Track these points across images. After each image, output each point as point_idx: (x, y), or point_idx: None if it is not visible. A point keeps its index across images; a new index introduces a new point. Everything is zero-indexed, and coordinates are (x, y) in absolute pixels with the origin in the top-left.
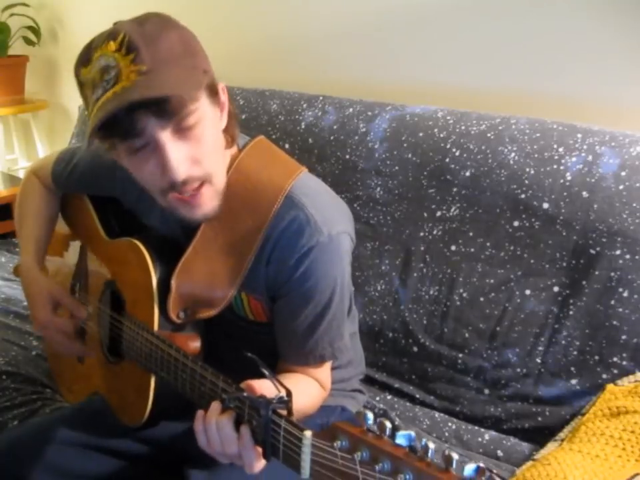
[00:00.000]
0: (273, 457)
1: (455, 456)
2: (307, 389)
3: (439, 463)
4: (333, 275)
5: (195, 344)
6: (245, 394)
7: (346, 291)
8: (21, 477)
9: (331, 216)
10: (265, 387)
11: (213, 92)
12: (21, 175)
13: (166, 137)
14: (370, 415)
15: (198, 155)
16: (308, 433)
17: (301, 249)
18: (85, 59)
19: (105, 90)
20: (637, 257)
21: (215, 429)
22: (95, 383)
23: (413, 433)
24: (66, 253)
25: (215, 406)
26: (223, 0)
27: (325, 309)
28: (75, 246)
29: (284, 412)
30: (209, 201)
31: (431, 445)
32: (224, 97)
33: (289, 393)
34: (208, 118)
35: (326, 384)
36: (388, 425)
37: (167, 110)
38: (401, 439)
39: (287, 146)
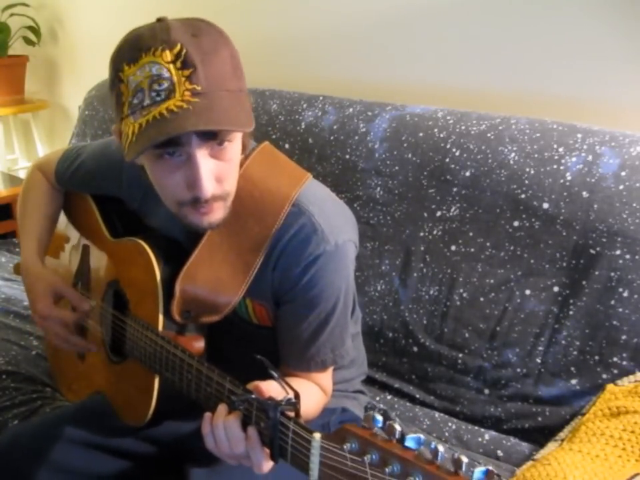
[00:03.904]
0: (280, 459)
1: (465, 459)
2: (309, 394)
3: (448, 466)
4: (338, 283)
5: (199, 344)
6: (253, 396)
7: (350, 298)
8: (23, 474)
9: (337, 224)
10: (272, 389)
11: None
12: (21, 175)
13: (203, 154)
14: (379, 418)
15: (223, 174)
16: (317, 435)
17: (308, 257)
18: (131, 56)
19: (154, 101)
20: (637, 257)
21: (222, 429)
22: (96, 382)
23: (422, 436)
24: (62, 254)
25: (222, 408)
26: (222, 0)
27: (328, 316)
28: (72, 247)
29: (292, 414)
30: (217, 212)
31: (441, 448)
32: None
33: (296, 395)
34: (237, 138)
35: (327, 389)
36: (397, 427)
37: (214, 136)
38: (410, 441)
39: (286, 146)
